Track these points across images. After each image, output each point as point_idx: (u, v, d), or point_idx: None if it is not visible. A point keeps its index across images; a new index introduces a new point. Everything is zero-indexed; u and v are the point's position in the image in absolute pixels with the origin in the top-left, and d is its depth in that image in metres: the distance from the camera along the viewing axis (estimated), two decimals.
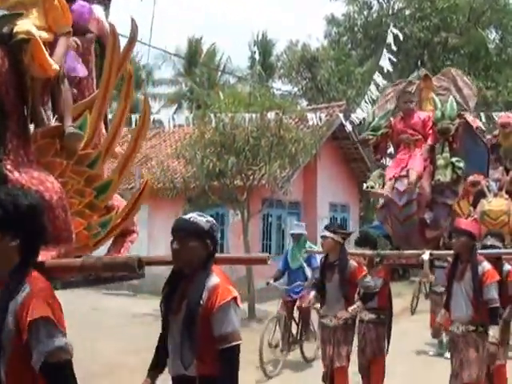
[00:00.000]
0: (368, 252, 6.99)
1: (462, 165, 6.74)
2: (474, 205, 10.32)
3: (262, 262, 3.64)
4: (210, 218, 3.57)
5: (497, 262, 6.61)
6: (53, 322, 2.52)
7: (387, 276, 7.20)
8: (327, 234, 6.61)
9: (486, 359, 5.65)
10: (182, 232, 3.43)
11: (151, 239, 19.00)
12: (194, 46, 38.42)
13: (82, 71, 4.00)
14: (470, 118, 11.73)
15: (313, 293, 7.07)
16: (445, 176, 6.64)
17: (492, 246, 6.89)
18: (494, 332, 5.50)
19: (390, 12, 27.90)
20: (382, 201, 6.94)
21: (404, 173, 6.65)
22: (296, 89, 29.69)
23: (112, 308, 15.10)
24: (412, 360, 10.07)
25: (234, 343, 3.27)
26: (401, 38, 19.79)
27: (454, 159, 6.75)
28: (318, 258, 9.27)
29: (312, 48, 28.96)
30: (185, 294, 3.40)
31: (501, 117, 11.29)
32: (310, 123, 16.15)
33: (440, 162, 6.74)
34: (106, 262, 3.41)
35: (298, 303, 9.63)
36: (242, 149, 13.20)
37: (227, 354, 3.26)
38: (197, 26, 71.48)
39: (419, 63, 25.05)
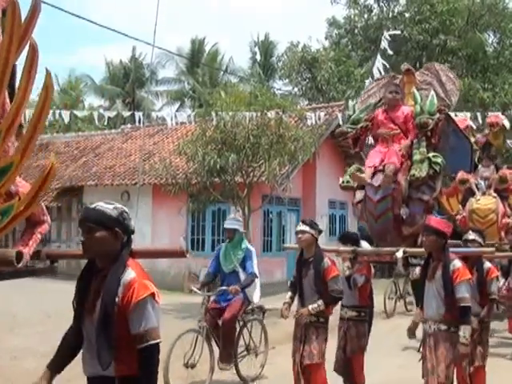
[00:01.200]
0: (342, 248, 6.89)
1: (439, 160, 6.52)
2: (463, 203, 10.35)
3: (180, 255, 3.45)
4: (119, 205, 3.32)
5: (476, 259, 6.67)
6: None
7: (369, 273, 7.08)
8: (307, 228, 6.29)
9: (455, 359, 5.50)
10: (88, 222, 3.20)
11: (155, 234, 19.34)
12: (197, 46, 38.82)
13: None
14: (461, 116, 11.91)
15: (288, 294, 6.66)
16: (420, 171, 6.44)
17: (473, 241, 6.92)
18: (464, 332, 5.30)
19: (390, 15, 28.20)
20: (358, 197, 6.76)
21: (381, 167, 6.50)
22: (296, 89, 30.02)
23: None
24: (407, 353, 9.87)
25: (152, 342, 3.10)
26: (399, 32, 19.97)
27: (431, 154, 6.55)
28: (255, 261, 8.13)
29: (312, 49, 29.30)
30: (99, 289, 3.16)
31: (489, 117, 11.34)
32: (309, 122, 16.40)
33: (416, 157, 6.57)
34: None
35: (225, 315, 7.86)
36: (243, 146, 13.46)
37: (145, 354, 3.10)
38: (199, 26, 71.75)
39: (417, 65, 25.38)
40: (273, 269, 17.06)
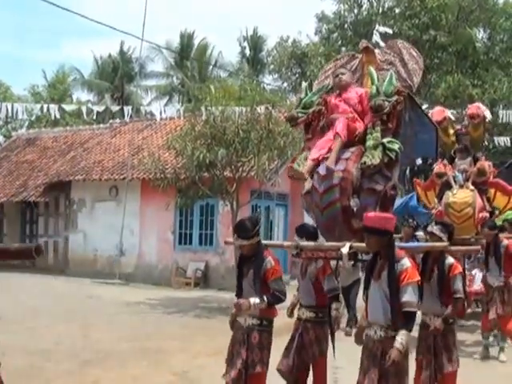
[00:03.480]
0: (287, 243, 6.52)
1: (396, 147, 5.73)
2: (440, 196, 10.03)
3: (28, 256, 2.71)
4: None
5: (439, 254, 6.29)
6: None
7: (332, 271, 6.52)
8: (244, 242, 5.76)
9: (405, 371, 4.94)
10: None
11: (143, 229, 19.25)
12: (187, 40, 38.65)
13: None
14: (438, 108, 11.59)
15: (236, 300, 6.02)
16: (373, 158, 5.64)
17: (431, 234, 6.56)
18: (402, 337, 4.74)
19: (380, 10, 28.11)
20: (307, 187, 6.01)
21: (329, 155, 5.79)
22: (286, 84, 29.95)
23: (106, 296, 15.37)
24: None
25: None
26: (390, 32, 19.96)
27: (385, 140, 5.73)
28: None
29: (302, 44, 29.21)
30: None
31: (469, 108, 10.80)
32: None
33: (369, 142, 5.76)
34: None
35: None
36: (232, 141, 13.42)
37: None
38: (188, 20, 71.48)
39: None
40: None
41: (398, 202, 17.03)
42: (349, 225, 5.71)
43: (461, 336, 10.86)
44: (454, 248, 6.39)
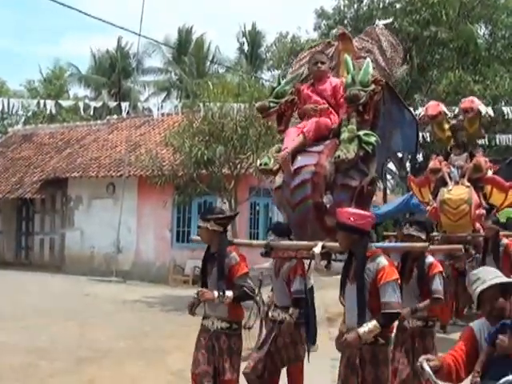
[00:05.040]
0: (256, 242, 6.27)
1: (373, 139, 5.33)
2: (435, 193, 9.78)
3: None
4: None
5: (418, 253, 6.07)
6: None
7: (304, 271, 6.30)
8: (200, 223, 5.57)
9: (385, 380, 4.60)
10: None
11: (140, 227, 19.10)
12: (185, 36, 38.45)
13: None
14: (433, 102, 11.40)
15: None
16: (347, 152, 5.20)
17: (408, 236, 6.20)
18: (370, 326, 4.42)
19: (381, 6, 27.91)
20: (278, 182, 5.68)
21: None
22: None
23: (103, 294, 15.26)
24: None
25: None
26: (390, 21, 19.77)
27: (361, 132, 5.33)
28: None
29: (301, 40, 29.01)
30: None
31: (463, 101, 10.49)
32: None
33: (344, 135, 5.35)
34: None
35: None
36: (230, 138, 13.35)
37: None
38: (186, 16, 71.33)
39: (408, 57, 25.15)
40: (259, 261, 16.88)
41: (400, 199, 16.86)
42: (321, 223, 5.33)
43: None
44: (434, 247, 6.20)
